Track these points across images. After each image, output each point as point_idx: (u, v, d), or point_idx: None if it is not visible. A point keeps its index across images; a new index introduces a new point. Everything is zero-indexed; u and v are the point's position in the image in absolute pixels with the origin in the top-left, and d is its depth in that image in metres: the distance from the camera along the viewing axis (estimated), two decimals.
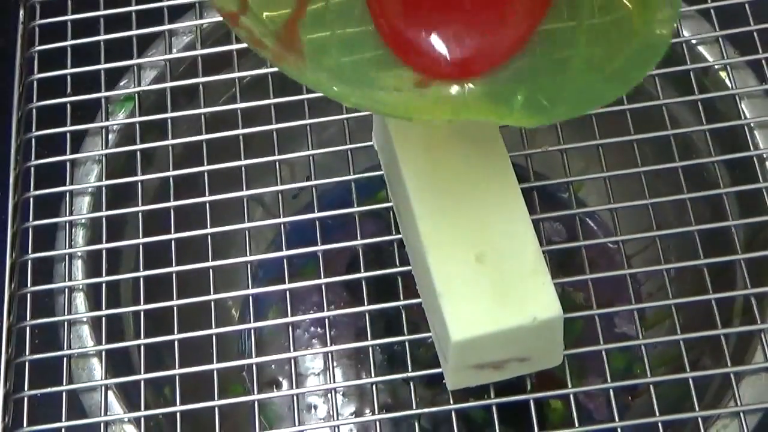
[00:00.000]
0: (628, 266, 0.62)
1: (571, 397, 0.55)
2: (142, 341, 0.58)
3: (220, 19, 0.67)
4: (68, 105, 0.64)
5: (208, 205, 0.61)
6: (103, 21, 0.66)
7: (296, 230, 0.63)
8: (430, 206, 0.52)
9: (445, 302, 0.50)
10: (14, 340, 0.59)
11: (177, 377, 0.56)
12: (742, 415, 0.55)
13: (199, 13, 0.68)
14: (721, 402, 0.57)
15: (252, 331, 0.58)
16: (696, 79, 0.63)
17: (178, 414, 0.56)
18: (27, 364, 0.58)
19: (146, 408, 0.57)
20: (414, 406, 0.55)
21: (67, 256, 0.62)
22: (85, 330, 0.61)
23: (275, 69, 0.64)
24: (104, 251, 0.61)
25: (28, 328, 0.59)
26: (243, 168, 0.61)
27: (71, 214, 0.63)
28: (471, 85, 0.48)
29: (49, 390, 0.57)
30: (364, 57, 0.48)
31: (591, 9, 0.47)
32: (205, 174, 0.61)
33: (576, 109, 0.48)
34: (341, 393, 0.77)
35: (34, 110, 0.64)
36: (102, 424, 0.57)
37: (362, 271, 0.58)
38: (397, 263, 0.58)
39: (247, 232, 0.60)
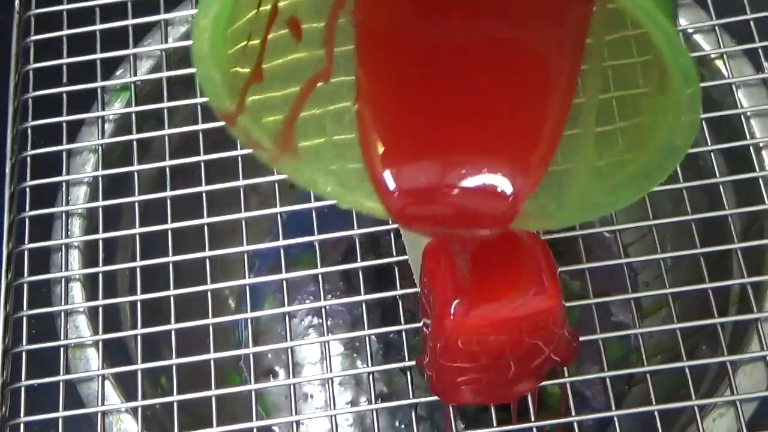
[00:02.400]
0: (624, 255, 0.62)
1: (568, 385, 0.55)
2: (139, 331, 0.58)
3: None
4: (64, 95, 0.64)
5: (204, 194, 0.60)
6: (99, 11, 0.66)
7: (293, 219, 0.63)
8: None
9: None
10: (11, 330, 0.59)
11: (174, 367, 0.56)
12: (738, 403, 0.55)
13: (195, 2, 0.68)
14: (718, 391, 0.57)
15: (249, 321, 0.58)
16: None
17: (175, 404, 0.56)
18: (24, 354, 0.58)
19: (143, 398, 0.57)
20: (411, 396, 0.55)
21: (63, 246, 0.62)
22: (82, 320, 0.61)
23: None
24: (101, 241, 0.61)
25: (24, 318, 0.59)
26: (239, 158, 0.61)
27: (68, 204, 0.63)
28: None
29: (46, 380, 0.57)
30: (356, 167, 0.47)
31: (600, 116, 0.45)
32: (202, 164, 0.61)
33: (583, 215, 0.47)
34: (337, 382, 0.78)
35: (30, 100, 0.64)
36: (99, 414, 0.57)
37: (359, 260, 0.58)
38: (394, 253, 0.58)
39: (243, 221, 0.60)
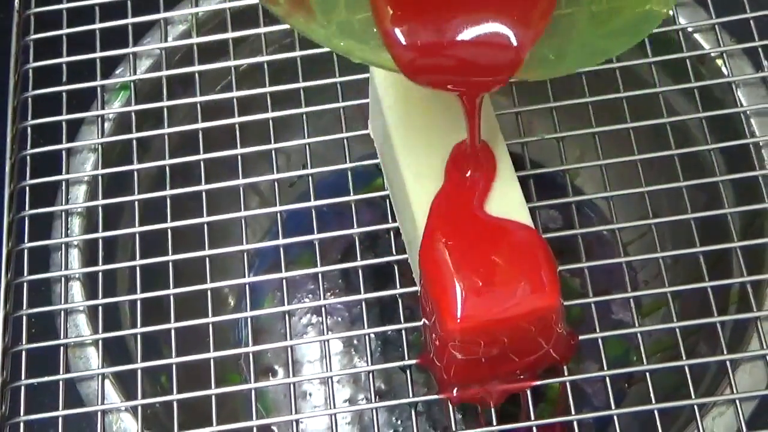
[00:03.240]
0: (624, 254, 0.62)
1: (567, 384, 0.55)
2: (139, 330, 0.58)
3: (216, 7, 0.68)
4: (64, 94, 0.64)
5: (204, 193, 0.60)
6: (99, 9, 0.66)
7: (292, 218, 0.63)
8: (427, 194, 0.52)
9: None
10: (11, 329, 0.59)
11: (174, 366, 0.57)
12: (737, 402, 0.55)
13: (195, 1, 0.68)
14: (717, 389, 0.57)
15: (249, 320, 0.58)
16: (692, 67, 0.63)
17: (174, 402, 0.56)
18: (24, 353, 0.58)
19: (143, 397, 0.57)
20: (410, 394, 0.55)
21: (63, 245, 0.62)
22: (82, 319, 0.61)
23: (271, 57, 0.64)
24: (100, 240, 0.61)
25: (24, 317, 0.59)
26: (239, 157, 0.61)
27: (67, 203, 0.63)
28: None
29: (45, 379, 0.57)
30: (367, 24, 0.48)
31: None
32: (202, 163, 0.61)
33: (582, 63, 0.49)
34: (336, 380, 0.78)
35: (29, 99, 0.64)
36: (99, 413, 0.57)
37: (358, 258, 0.58)
38: (393, 251, 0.58)
39: (243, 220, 0.60)
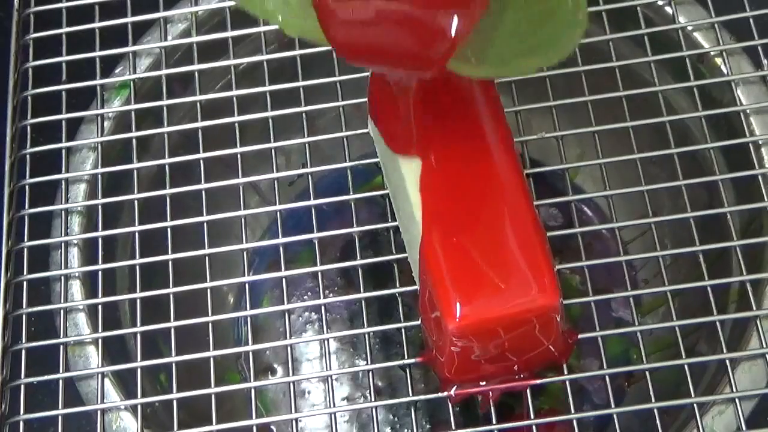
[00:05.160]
0: (624, 252, 0.62)
1: (567, 383, 0.55)
2: (139, 329, 0.58)
3: (216, 6, 0.68)
4: (63, 92, 0.64)
5: (203, 192, 0.60)
6: (98, 8, 0.66)
7: (292, 217, 0.63)
8: None
9: None
10: (11, 328, 0.59)
11: (173, 365, 0.57)
12: (737, 401, 0.55)
13: (195, 0, 0.68)
14: (717, 388, 0.57)
15: (248, 318, 0.58)
16: (692, 66, 0.63)
17: (174, 401, 0.56)
18: (23, 351, 0.58)
19: (143, 395, 0.57)
20: (410, 392, 0.55)
21: (63, 244, 0.62)
22: (82, 318, 0.61)
23: (271, 56, 0.64)
24: (100, 239, 0.61)
25: (24, 315, 0.59)
26: (239, 155, 0.61)
27: (67, 201, 0.63)
28: None
29: (45, 378, 0.57)
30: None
31: None
32: (201, 161, 0.61)
33: (497, 72, 0.51)
34: (335, 378, 0.78)
35: (29, 98, 0.64)
36: (99, 412, 0.57)
37: (358, 256, 0.58)
38: (393, 250, 0.58)
39: (243, 219, 0.60)
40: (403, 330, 0.57)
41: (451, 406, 0.55)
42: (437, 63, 0.45)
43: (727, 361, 0.56)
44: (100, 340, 0.59)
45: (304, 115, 0.62)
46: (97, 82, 0.65)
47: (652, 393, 0.54)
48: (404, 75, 0.50)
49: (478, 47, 0.46)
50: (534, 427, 0.54)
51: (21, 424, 0.56)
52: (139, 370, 0.57)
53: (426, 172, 0.52)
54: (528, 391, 0.55)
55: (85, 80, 0.65)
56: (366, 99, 0.59)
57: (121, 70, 0.67)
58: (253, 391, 0.56)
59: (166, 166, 0.62)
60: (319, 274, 0.59)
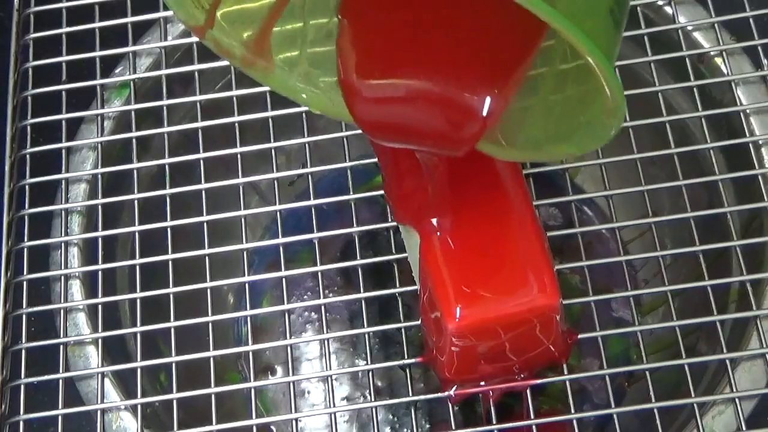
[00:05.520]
0: (624, 252, 0.62)
1: (567, 383, 0.55)
2: (139, 329, 0.58)
3: None
4: (63, 92, 0.64)
5: (203, 192, 0.60)
6: (98, 8, 0.66)
7: (292, 217, 0.63)
8: None
9: None
10: (11, 328, 0.59)
11: (173, 365, 0.57)
12: (737, 401, 0.55)
13: None
14: (717, 388, 0.57)
15: (248, 318, 0.58)
16: (692, 66, 0.63)
17: (174, 401, 0.56)
18: (23, 351, 0.58)
19: (143, 395, 0.57)
20: (410, 392, 0.55)
21: (63, 244, 0.62)
22: (82, 318, 0.61)
23: None
24: (100, 239, 0.61)
25: (24, 315, 0.59)
26: (239, 155, 0.61)
27: (67, 201, 0.63)
28: None
29: (45, 378, 0.57)
30: (329, 78, 0.47)
31: (558, 71, 0.46)
32: (201, 161, 0.61)
33: (528, 156, 0.50)
34: (335, 377, 0.78)
35: (29, 98, 0.64)
36: (98, 412, 0.57)
37: (358, 256, 0.58)
38: (393, 250, 0.58)
39: (243, 219, 0.60)
40: (403, 330, 0.57)
41: (451, 406, 0.55)
42: (467, 144, 0.45)
43: (727, 361, 0.56)
44: (100, 340, 0.59)
45: (303, 114, 0.62)
46: (97, 82, 0.65)
47: (652, 393, 0.54)
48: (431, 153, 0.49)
49: (508, 130, 0.45)
50: (534, 427, 0.54)
51: (21, 424, 0.56)
52: (139, 370, 0.57)
53: None
54: (528, 391, 0.55)
55: (85, 80, 0.65)
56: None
57: (121, 70, 0.67)
58: (253, 390, 0.56)
59: (166, 166, 0.62)
60: (319, 273, 0.59)
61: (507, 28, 0.44)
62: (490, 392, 0.54)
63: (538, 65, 0.45)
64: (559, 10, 0.32)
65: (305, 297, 0.79)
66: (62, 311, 0.60)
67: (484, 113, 0.43)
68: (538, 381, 0.55)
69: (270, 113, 0.62)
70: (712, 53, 0.65)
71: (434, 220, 0.50)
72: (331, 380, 0.57)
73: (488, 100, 0.43)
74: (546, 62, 0.45)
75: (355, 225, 0.59)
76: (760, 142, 0.62)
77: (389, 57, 0.46)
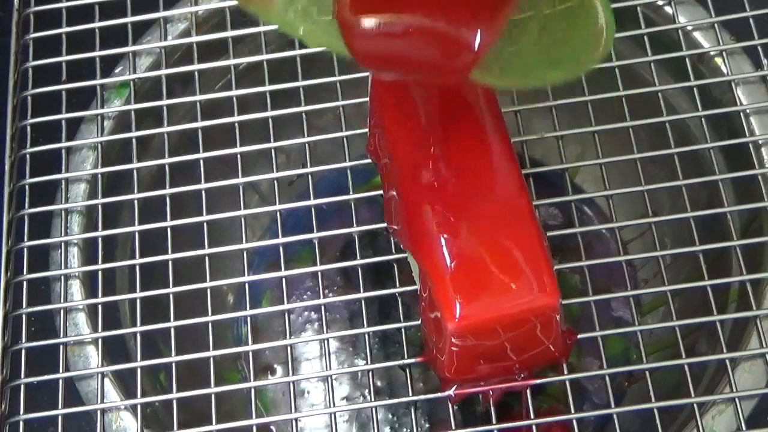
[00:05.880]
0: (624, 251, 0.62)
1: (567, 382, 0.55)
2: (139, 329, 0.58)
3: (216, 6, 0.68)
4: (63, 92, 0.64)
5: (203, 192, 0.60)
6: (98, 8, 0.66)
7: (292, 216, 0.63)
8: None
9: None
10: (10, 328, 0.59)
11: (173, 364, 0.57)
12: (737, 401, 0.55)
13: (195, 0, 0.68)
14: (717, 388, 0.57)
15: (248, 318, 0.58)
16: (692, 66, 0.63)
17: (174, 401, 0.56)
18: (23, 351, 0.58)
19: (142, 395, 0.57)
20: (410, 392, 0.55)
21: (63, 244, 0.62)
22: (82, 317, 0.61)
23: (270, 56, 0.64)
24: (100, 239, 0.61)
25: (24, 315, 0.59)
26: (239, 155, 0.61)
27: (67, 201, 0.63)
28: None
29: (45, 377, 0.57)
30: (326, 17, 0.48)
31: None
32: (201, 161, 0.61)
33: (519, 83, 0.52)
34: (334, 377, 0.78)
35: (29, 98, 0.64)
36: (98, 412, 0.57)
37: (357, 256, 0.58)
38: (393, 249, 0.58)
39: (243, 219, 0.60)
40: (402, 330, 0.57)
41: (451, 406, 0.55)
42: (461, 73, 0.45)
43: (727, 361, 0.56)
44: (100, 340, 0.59)
45: (303, 114, 0.62)
46: (97, 82, 0.65)
47: (652, 393, 0.54)
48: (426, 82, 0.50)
49: (501, 58, 0.46)
50: (534, 426, 0.54)
51: (21, 424, 0.56)
52: (139, 370, 0.57)
53: None
54: (528, 390, 0.55)
55: (85, 80, 0.65)
56: (366, 99, 0.59)
57: (121, 70, 0.67)
58: (252, 390, 0.56)
59: (166, 166, 0.62)
60: (319, 273, 0.59)
61: None
62: (490, 392, 0.54)
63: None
64: None
65: (305, 297, 0.79)
66: (62, 311, 0.60)
67: (477, 44, 0.44)
68: (538, 381, 0.55)
69: (270, 113, 0.62)
70: (712, 53, 0.65)
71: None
72: (331, 380, 0.57)
73: (480, 30, 0.44)
74: None
75: (354, 225, 0.59)
76: (760, 142, 0.62)
77: None
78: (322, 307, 0.59)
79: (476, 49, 0.44)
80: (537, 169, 0.59)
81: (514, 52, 0.47)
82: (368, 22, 0.45)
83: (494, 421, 0.54)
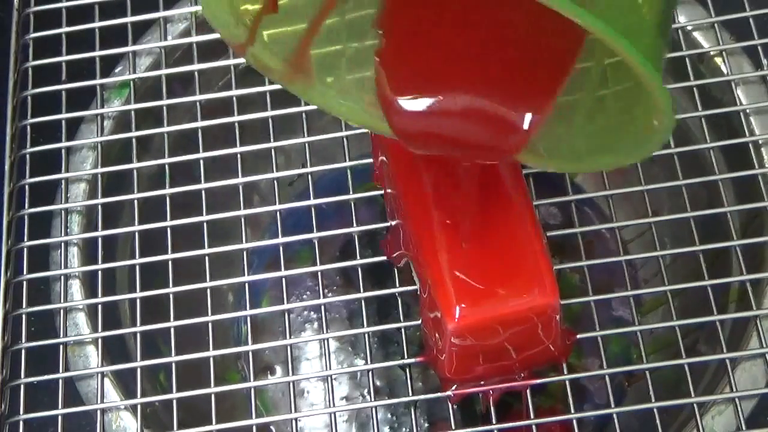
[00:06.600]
0: (624, 251, 0.62)
1: (567, 382, 0.55)
2: (138, 329, 0.58)
3: None
4: (63, 92, 0.64)
5: (203, 192, 0.60)
6: (98, 8, 0.66)
7: (292, 216, 0.63)
8: None
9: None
10: (10, 328, 0.59)
11: (173, 364, 0.56)
12: (737, 401, 0.55)
13: (195, 0, 0.68)
14: (717, 388, 0.57)
15: (248, 318, 0.58)
16: (692, 65, 0.63)
17: (174, 401, 0.56)
18: (23, 351, 0.58)
19: (142, 395, 0.57)
20: (410, 392, 0.55)
21: (62, 244, 0.62)
22: (82, 317, 0.61)
23: None
24: (100, 239, 0.61)
25: (24, 315, 0.59)
26: (238, 155, 0.61)
27: (67, 201, 0.63)
28: None
29: (45, 377, 0.57)
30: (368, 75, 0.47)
31: (599, 79, 0.46)
32: (201, 161, 0.61)
33: (570, 168, 0.51)
34: (334, 377, 0.78)
35: (29, 97, 0.64)
36: (98, 412, 0.57)
37: (357, 256, 0.58)
38: None
39: (243, 219, 0.60)
40: (402, 329, 0.57)
41: (451, 406, 0.55)
42: (508, 155, 0.45)
43: (727, 361, 0.56)
44: (99, 340, 0.59)
45: (303, 114, 0.62)
46: (97, 81, 0.65)
47: (652, 393, 0.54)
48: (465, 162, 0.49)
49: (549, 141, 0.45)
50: (534, 426, 0.54)
51: (21, 423, 0.56)
52: (138, 370, 0.57)
53: None
54: (528, 390, 0.55)
55: (85, 80, 0.65)
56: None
57: (121, 69, 0.67)
58: (252, 390, 0.56)
59: (166, 166, 0.62)
60: (319, 273, 0.59)
61: (547, 42, 0.45)
62: (490, 392, 0.54)
63: (578, 80, 0.45)
64: (614, 28, 0.33)
65: (305, 296, 0.79)
66: (62, 311, 0.60)
67: (526, 125, 0.44)
68: (538, 381, 0.55)
69: (270, 113, 0.62)
70: (712, 53, 0.65)
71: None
72: (331, 380, 0.57)
73: (530, 112, 0.44)
74: (585, 79, 0.45)
75: (354, 224, 0.59)
76: (760, 142, 0.62)
77: (427, 72, 0.46)
78: (322, 307, 0.59)
79: (527, 129, 0.44)
80: (537, 169, 0.59)
81: (562, 134, 0.46)
82: (409, 103, 0.45)
83: (494, 420, 0.54)
